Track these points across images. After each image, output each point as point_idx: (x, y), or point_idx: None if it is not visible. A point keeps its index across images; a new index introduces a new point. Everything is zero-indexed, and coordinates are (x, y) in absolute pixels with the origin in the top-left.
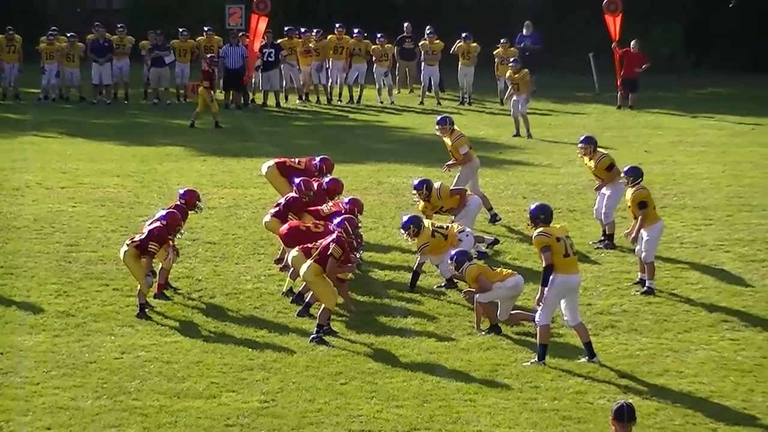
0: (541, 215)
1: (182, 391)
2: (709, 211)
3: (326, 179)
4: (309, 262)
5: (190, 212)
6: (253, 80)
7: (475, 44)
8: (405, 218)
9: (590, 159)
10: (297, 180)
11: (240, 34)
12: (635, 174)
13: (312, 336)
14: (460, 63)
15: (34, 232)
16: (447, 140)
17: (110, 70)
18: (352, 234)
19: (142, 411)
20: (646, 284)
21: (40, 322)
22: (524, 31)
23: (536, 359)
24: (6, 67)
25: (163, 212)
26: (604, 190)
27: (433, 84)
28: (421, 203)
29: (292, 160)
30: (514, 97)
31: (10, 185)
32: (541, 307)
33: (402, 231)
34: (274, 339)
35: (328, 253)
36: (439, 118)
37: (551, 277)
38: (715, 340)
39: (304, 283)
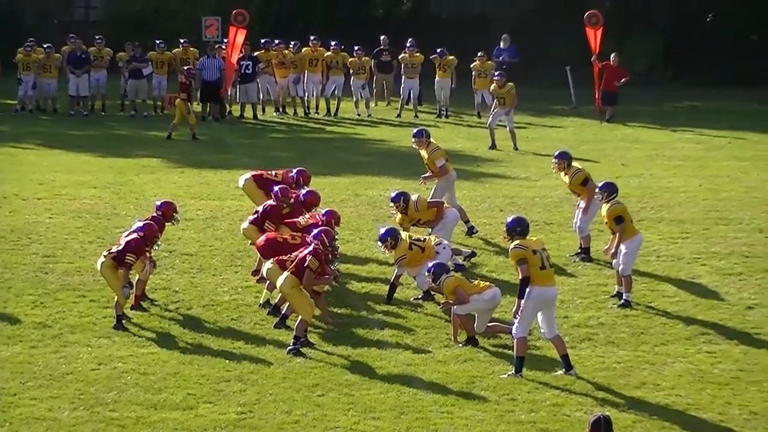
0: (518, 228)
1: (159, 403)
2: (686, 225)
3: (303, 191)
4: (286, 273)
5: (167, 224)
6: (230, 92)
7: (451, 57)
8: (382, 230)
9: (565, 174)
10: (275, 188)
11: (217, 46)
12: (609, 189)
13: (289, 348)
14: (436, 76)
15: (11, 243)
16: (423, 153)
17: (87, 82)
18: (329, 246)
19: (119, 422)
20: (623, 297)
21: (17, 333)
22: (501, 45)
23: (513, 372)
24: None
25: (140, 224)
26: (580, 203)
27: (412, 97)
28: (399, 216)
29: (269, 172)
30: (497, 110)
31: None
32: (517, 319)
33: (379, 243)
34: (251, 351)
35: (305, 265)
36: (415, 130)
37: (528, 290)
38: (692, 353)
39: (281, 295)
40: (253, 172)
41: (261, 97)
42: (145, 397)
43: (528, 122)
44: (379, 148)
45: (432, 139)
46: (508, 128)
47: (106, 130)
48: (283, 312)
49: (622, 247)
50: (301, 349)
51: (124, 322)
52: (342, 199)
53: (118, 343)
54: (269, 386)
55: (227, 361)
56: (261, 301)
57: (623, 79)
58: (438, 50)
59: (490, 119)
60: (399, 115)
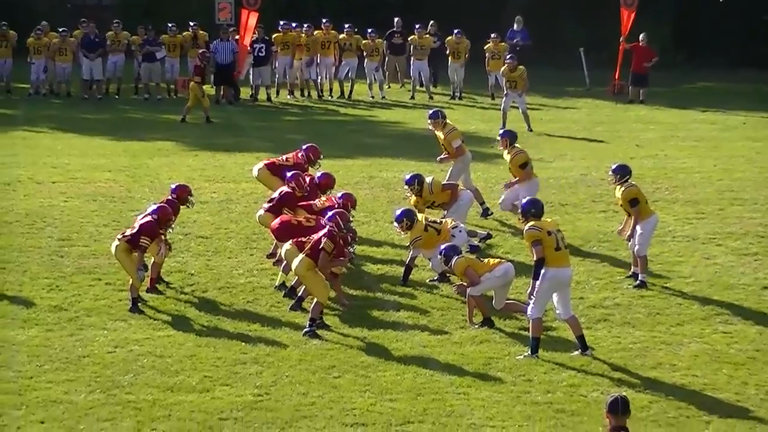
0: (532, 209)
1: (175, 385)
2: (701, 205)
3: (318, 174)
4: (301, 255)
5: (181, 207)
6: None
7: (466, 41)
8: (398, 211)
9: (507, 153)
10: (289, 175)
11: (231, 29)
12: (622, 172)
13: (305, 330)
14: (450, 59)
15: (26, 226)
16: (439, 134)
17: (101, 66)
18: (344, 228)
19: (136, 405)
20: (639, 277)
21: (33, 317)
22: (515, 27)
23: (529, 353)
24: None
25: (154, 206)
26: (518, 187)
27: (423, 78)
28: (413, 198)
29: (280, 158)
30: (509, 93)
31: (1, 180)
32: (532, 300)
33: (395, 224)
34: (267, 333)
35: (320, 247)
36: (431, 111)
37: (543, 271)
38: (707, 333)
39: (297, 277)
40: (265, 161)
41: (276, 79)
42: (161, 380)
43: (541, 104)
44: (393, 130)
45: (448, 120)
46: (521, 110)
47: (120, 114)
48: (299, 294)
49: (638, 228)
50: (316, 331)
51: (139, 305)
52: (356, 182)
53: (134, 326)
54: (285, 368)
55: (243, 343)
56: (277, 284)
57: (653, 60)
58: (455, 31)
59: (503, 102)
60: (413, 97)
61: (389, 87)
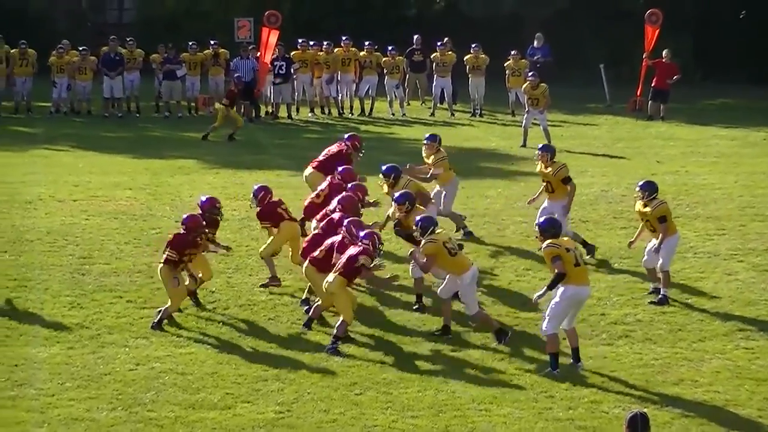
0: (551, 229)
1: (197, 402)
2: (723, 221)
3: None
4: (334, 275)
5: (217, 219)
6: (265, 93)
7: (483, 56)
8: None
9: (547, 167)
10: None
11: (251, 47)
12: (650, 188)
13: (328, 347)
14: (470, 76)
15: (47, 244)
16: (429, 159)
17: (121, 84)
18: (378, 249)
19: (158, 422)
20: (661, 292)
21: (54, 335)
22: (535, 43)
23: (550, 368)
24: (18, 81)
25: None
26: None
27: (446, 96)
28: (386, 187)
29: (323, 155)
30: (530, 110)
31: (22, 198)
32: (548, 317)
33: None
34: (288, 350)
35: (358, 264)
36: (428, 135)
37: (563, 289)
38: (729, 349)
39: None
40: (312, 164)
41: (296, 97)
42: (183, 397)
43: (562, 120)
44: (413, 147)
45: (442, 148)
46: (541, 126)
47: (141, 132)
48: (310, 315)
49: (662, 244)
50: (338, 349)
51: (164, 323)
52: (374, 200)
53: (155, 343)
54: (307, 385)
55: (265, 360)
56: (304, 296)
57: (675, 77)
58: (473, 46)
59: (524, 119)
60: (432, 114)
61: (409, 104)
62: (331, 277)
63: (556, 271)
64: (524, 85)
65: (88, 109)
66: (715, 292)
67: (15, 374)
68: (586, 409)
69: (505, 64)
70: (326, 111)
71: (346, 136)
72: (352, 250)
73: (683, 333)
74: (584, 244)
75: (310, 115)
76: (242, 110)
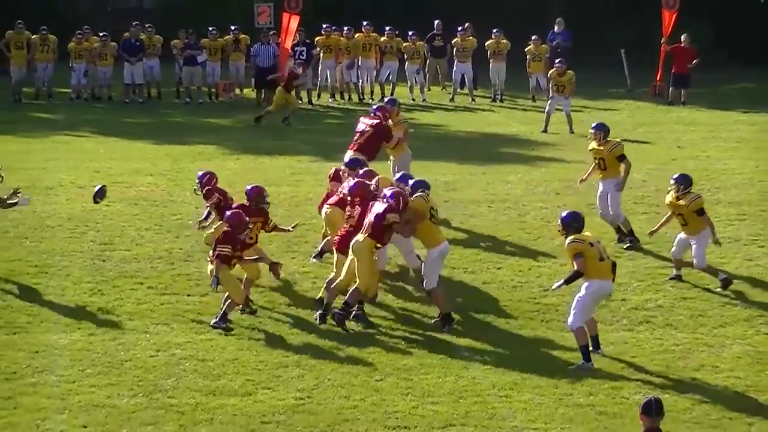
0: (575, 224)
1: (218, 389)
2: (743, 206)
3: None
4: (362, 236)
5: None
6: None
7: (505, 41)
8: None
9: (600, 145)
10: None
11: (272, 33)
12: (685, 182)
13: (335, 310)
14: (491, 61)
15: (68, 231)
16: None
17: (142, 69)
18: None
19: (178, 408)
20: (720, 277)
21: (75, 321)
22: (556, 28)
23: (583, 361)
24: (39, 67)
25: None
26: (604, 184)
27: (467, 81)
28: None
29: (357, 136)
30: (555, 96)
31: (43, 184)
32: (573, 312)
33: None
34: (309, 336)
35: (387, 223)
36: (388, 99)
37: (587, 284)
38: (750, 335)
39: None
40: (351, 147)
41: (318, 82)
42: (203, 384)
43: (583, 105)
44: (434, 132)
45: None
46: (564, 112)
47: (161, 118)
48: (324, 305)
49: (692, 241)
50: (344, 318)
51: (227, 322)
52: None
53: (176, 329)
54: (327, 371)
55: (285, 346)
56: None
57: (695, 61)
58: (494, 31)
59: (548, 105)
60: (453, 100)
61: (430, 90)
62: (360, 236)
63: (575, 267)
64: (550, 72)
65: (109, 95)
66: (736, 278)
67: (36, 361)
68: (607, 395)
69: (526, 50)
70: (347, 96)
71: (374, 107)
72: (378, 208)
73: (704, 318)
74: (630, 233)
75: (330, 100)
76: (263, 96)
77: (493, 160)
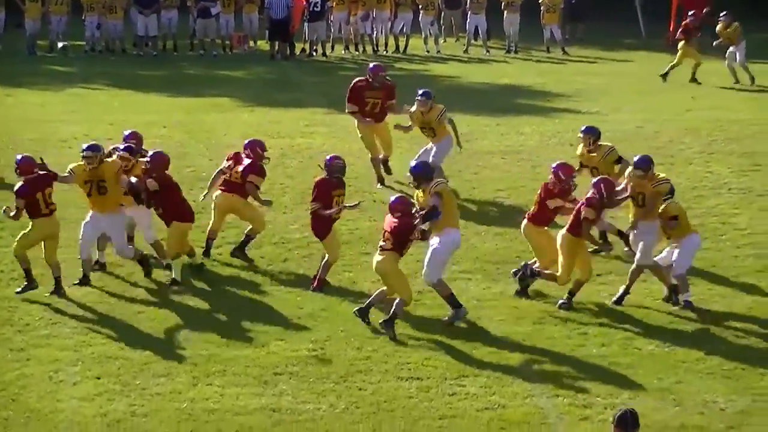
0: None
1: (231, 340)
2: (757, 157)
3: None
4: (381, 255)
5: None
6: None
7: None
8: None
9: (589, 151)
10: None
11: None
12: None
13: (383, 320)
14: (505, 12)
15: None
16: (427, 116)
17: (156, 22)
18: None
19: (191, 360)
20: (683, 298)
21: (89, 274)
22: None
23: (453, 311)
24: (53, 20)
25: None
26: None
27: (480, 32)
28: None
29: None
30: (731, 48)
31: (57, 137)
32: (432, 266)
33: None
34: (323, 288)
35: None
36: (423, 91)
37: (443, 235)
38: (763, 286)
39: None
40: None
41: (332, 34)
42: (216, 335)
43: (598, 56)
44: (448, 84)
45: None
46: (739, 63)
47: (175, 70)
48: (368, 302)
49: (676, 245)
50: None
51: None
52: (411, 136)
53: (189, 282)
54: (340, 323)
55: (298, 298)
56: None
57: (705, 9)
58: None
59: (727, 60)
60: (466, 51)
61: (444, 41)
62: (378, 256)
63: (434, 204)
64: (718, 27)
65: (122, 47)
66: (750, 228)
67: (48, 313)
68: (620, 346)
69: (540, 1)
70: (361, 48)
71: (371, 65)
72: (402, 224)
73: (717, 269)
74: (620, 233)
75: (344, 52)
76: (276, 48)
77: (508, 112)
